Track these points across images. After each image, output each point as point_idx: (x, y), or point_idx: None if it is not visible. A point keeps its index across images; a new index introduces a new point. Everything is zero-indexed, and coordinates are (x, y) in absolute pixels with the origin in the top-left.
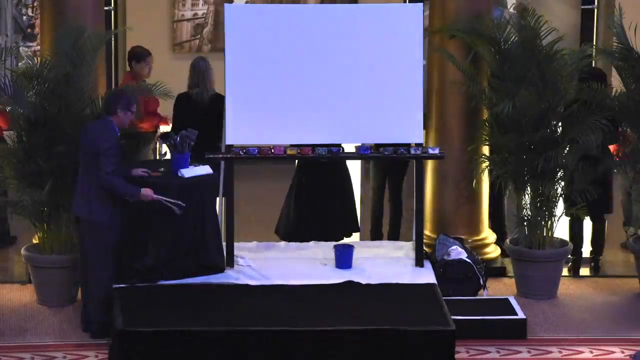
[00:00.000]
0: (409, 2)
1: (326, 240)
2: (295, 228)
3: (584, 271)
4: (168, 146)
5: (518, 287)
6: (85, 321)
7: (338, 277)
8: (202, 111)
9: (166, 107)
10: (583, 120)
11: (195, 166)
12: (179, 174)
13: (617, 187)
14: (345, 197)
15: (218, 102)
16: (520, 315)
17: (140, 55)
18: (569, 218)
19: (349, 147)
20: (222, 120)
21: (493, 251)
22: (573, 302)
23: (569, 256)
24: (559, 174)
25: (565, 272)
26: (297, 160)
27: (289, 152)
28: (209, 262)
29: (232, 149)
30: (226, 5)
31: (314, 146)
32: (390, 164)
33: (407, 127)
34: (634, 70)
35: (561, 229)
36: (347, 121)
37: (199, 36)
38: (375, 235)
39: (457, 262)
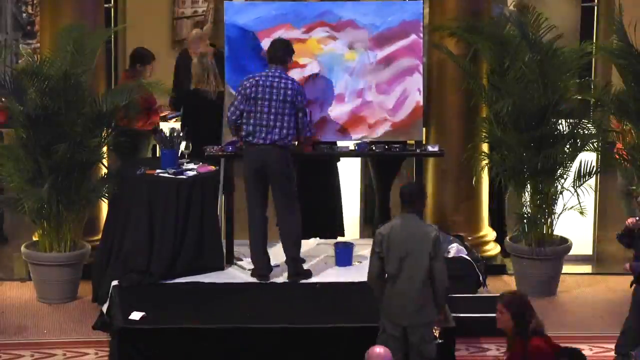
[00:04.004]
0: (408, 0)
1: (317, 235)
2: None
3: (585, 269)
4: (157, 141)
5: (518, 285)
6: None
7: (338, 274)
8: (208, 108)
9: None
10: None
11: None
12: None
13: (612, 187)
14: (332, 197)
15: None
16: None
17: (146, 58)
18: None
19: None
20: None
21: (493, 249)
22: (572, 300)
23: None
24: (558, 172)
25: (564, 269)
26: None
27: None
28: (209, 261)
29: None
30: (226, 2)
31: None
32: (382, 161)
33: (407, 125)
34: (634, 68)
35: (561, 226)
36: (347, 120)
37: None
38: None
39: (456, 260)
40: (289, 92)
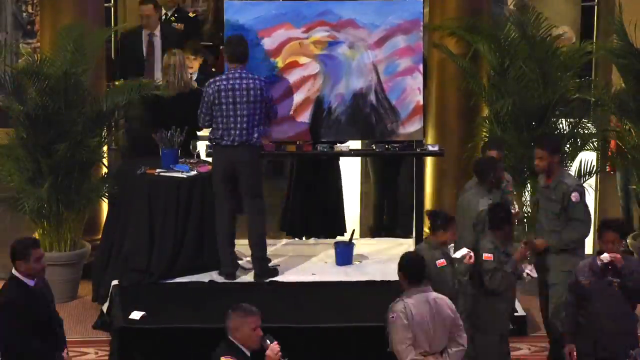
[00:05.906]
0: None
1: (318, 234)
2: (296, 222)
3: None
4: (157, 141)
5: (518, 284)
6: None
7: (338, 274)
8: (173, 105)
9: None
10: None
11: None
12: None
13: (612, 187)
14: (334, 197)
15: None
16: (521, 312)
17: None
18: None
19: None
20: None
21: None
22: None
23: None
24: None
25: None
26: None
27: (288, 148)
28: (209, 261)
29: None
30: (226, 2)
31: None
32: (386, 160)
33: (407, 125)
34: (635, 68)
35: None
36: (347, 119)
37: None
38: (376, 230)
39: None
40: (252, 92)
